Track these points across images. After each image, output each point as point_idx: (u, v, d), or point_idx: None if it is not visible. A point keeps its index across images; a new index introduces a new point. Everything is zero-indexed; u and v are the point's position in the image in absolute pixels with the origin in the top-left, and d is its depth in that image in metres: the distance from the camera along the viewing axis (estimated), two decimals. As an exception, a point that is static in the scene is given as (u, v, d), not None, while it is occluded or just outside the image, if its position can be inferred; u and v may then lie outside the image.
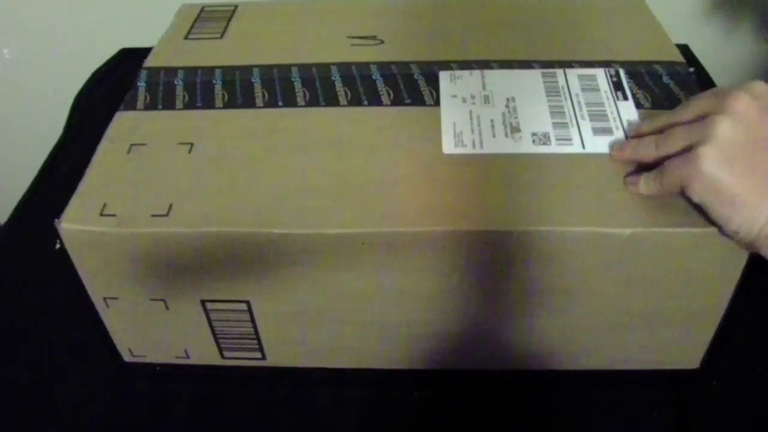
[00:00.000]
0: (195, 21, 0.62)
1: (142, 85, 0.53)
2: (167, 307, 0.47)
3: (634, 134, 0.45)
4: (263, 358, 0.51)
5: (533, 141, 0.46)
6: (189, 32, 0.60)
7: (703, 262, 0.43)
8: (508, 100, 0.50)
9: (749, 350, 0.51)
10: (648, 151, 0.42)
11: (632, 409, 0.49)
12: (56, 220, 0.43)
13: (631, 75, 0.52)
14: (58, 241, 0.43)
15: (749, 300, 0.45)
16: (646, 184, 0.42)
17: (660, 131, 0.42)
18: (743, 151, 0.37)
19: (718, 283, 0.44)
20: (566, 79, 0.52)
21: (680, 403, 0.49)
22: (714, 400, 0.49)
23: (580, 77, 0.52)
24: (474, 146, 0.47)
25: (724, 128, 0.37)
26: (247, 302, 0.47)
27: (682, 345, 0.49)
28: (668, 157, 0.40)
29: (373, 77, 0.53)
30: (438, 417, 0.50)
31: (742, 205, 0.37)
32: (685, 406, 0.49)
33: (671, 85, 0.51)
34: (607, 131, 0.47)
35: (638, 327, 0.47)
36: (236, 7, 0.64)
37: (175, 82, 0.54)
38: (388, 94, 0.51)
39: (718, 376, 0.50)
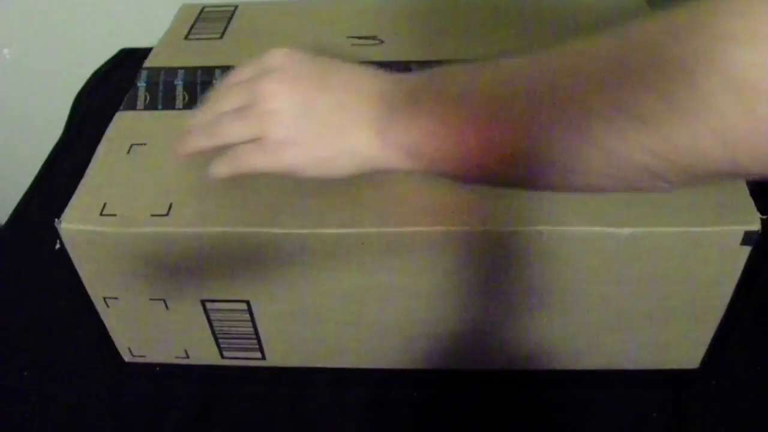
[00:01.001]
0: (195, 21, 0.62)
1: (142, 85, 0.53)
2: (167, 307, 0.47)
3: (194, 124, 0.40)
4: (263, 357, 0.51)
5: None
6: (189, 32, 0.60)
7: (703, 262, 0.43)
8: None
9: (749, 350, 0.51)
10: (206, 141, 0.38)
11: (632, 409, 0.49)
12: (56, 220, 0.43)
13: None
14: (58, 241, 0.44)
15: (749, 300, 0.45)
16: (217, 167, 0.38)
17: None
18: (311, 118, 0.35)
19: (718, 282, 0.44)
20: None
21: (680, 403, 0.49)
22: (714, 400, 0.49)
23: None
24: (474, 146, 0.47)
25: (278, 118, 0.35)
26: (247, 302, 0.47)
27: (682, 344, 0.49)
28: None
29: (373, 77, 0.53)
30: (438, 417, 0.50)
31: (339, 164, 0.36)
32: (684, 406, 0.49)
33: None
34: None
35: (638, 326, 0.47)
36: (236, 7, 0.64)
37: (175, 82, 0.53)
38: (388, 94, 0.51)
39: (717, 375, 0.50)
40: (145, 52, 0.58)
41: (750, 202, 0.42)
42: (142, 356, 0.52)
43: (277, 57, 0.37)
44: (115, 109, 0.51)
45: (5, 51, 0.48)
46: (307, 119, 0.35)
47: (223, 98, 0.38)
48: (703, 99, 0.25)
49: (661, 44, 0.27)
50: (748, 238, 0.41)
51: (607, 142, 0.27)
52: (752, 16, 0.24)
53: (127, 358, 0.52)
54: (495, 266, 0.44)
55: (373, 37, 0.58)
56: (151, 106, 0.52)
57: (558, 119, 0.28)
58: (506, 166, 0.31)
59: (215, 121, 0.37)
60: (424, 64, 0.54)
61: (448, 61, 0.54)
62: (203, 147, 0.38)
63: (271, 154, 0.35)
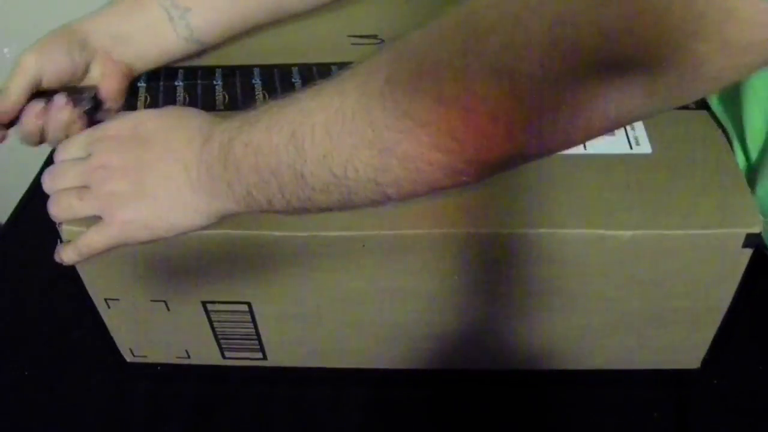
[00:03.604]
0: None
1: (142, 85, 0.53)
2: (168, 308, 0.47)
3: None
4: (264, 358, 0.51)
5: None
6: (189, 31, 0.60)
7: (704, 264, 0.43)
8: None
9: (750, 350, 0.51)
10: (56, 218, 0.39)
11: (633, 409, 0.49)
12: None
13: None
14: (59, 241, 0.43)
15: (750, 301, 0.45)
16: (67, 254, 0.39)
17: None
18: (147, 194, 0.36)
19: (719, 284, 0.44)
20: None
21: (681, 403, 0.49)
22: (714, 400, 0.49)
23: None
24: (475, 147, 0.46)
25: (119, 200, 0.36)
26: (248, 303, 0.47)
27: (683, 345, 0.49)
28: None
29: (374, 77, 0.53)
30: (438, 417, 0.50)
31: (189, 223, 0.36)
32: (685, 406, 0.49)
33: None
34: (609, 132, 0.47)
35: (639, 327, 0.47)
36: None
37: (176, 83, 0.53)
38: (389, 94, 0.51)
39: (718, 376, 0.50)
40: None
41: (752, 205, 0.42)
42: (143, 356, 0.52)
43: (105, 136, 0.39)
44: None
45: (5, 50, 0.48)
46: (144, 195, 0.36)
47: (61, 176, 0.39)
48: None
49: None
50: (749, 241, 0.41)
51: (400, 149, 0.29)
52: None
53: (128, 358, 0.52)
54: (496, 269, 0.44)
55: (374, 36, 0.58)
56: (151, 107, 0.51)
57: (361, 144, 0.30)
58: (328, 195, 0.32)
59: (58, 200, 0.38)
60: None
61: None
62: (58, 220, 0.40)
63: (119, 233, 0.37)
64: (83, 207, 0.37)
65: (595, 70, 0.24)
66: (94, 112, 0.49)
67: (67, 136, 0.47)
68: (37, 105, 0.46)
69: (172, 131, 0.37)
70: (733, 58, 0.23)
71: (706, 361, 0.49)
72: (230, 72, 0.54)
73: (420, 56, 0.29)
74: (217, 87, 0.53)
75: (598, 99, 0.25)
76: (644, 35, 0.23)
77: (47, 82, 0.47)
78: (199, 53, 0.53)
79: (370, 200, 0.32)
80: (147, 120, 0.38)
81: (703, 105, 0.49)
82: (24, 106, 0.46)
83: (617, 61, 0.24)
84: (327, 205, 0.33)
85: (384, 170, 0.30)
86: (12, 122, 0.47)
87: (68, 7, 0.57)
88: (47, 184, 0.39)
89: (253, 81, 0.53)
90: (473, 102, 0.27)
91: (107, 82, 0.49)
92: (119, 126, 0.39)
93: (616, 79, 0.24)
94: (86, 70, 0.49)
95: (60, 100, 0.47)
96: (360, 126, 0.30)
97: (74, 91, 0.48)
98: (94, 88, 0.49)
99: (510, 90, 0.26)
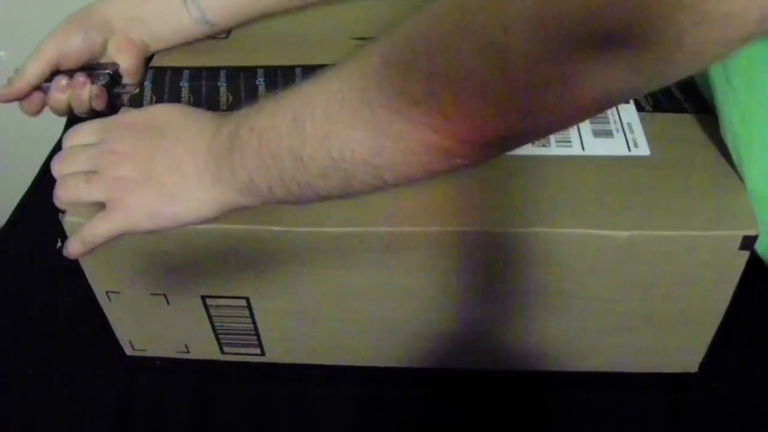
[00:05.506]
0: (201, 21, 0.62)
1: (147, 84, 0.54)
2: (168, 302, 0.48)
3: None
4: (262, 354, 0.51)
5: (533, 142, 0.47)
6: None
7: (702, 266, 0.43)
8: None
9: (748, 354, 0.51)
10: (61, 202, 0.40)
11: (630, 412, 0.49)
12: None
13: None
14: (59, 240, 0.44)
15: (748, 303, 0.45)
16: (72, 247, 0.39)
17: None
18: (154, 180, 0.37)
19: (717, 286, 0.44)
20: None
21: (678, 407, 0.49)
22: (712, 404, 0.49)
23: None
24: (474, 147, 0.47)
25: (126, 185, 0.37)
26: (247, 299, 0.47)
27: (681, 348, 0.49)
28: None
29: (376, 78, 0.53)
30: (435, 416, 0.50)
31: (193, 214, 0.37)
32: (683, 410, 0.49)
33: (672, 87, 0.51)
34: (608, 134, 0.47)
35: (636, 330, 0.47)
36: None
37: (181, 84, 0.54)
38: (390, 95, 0.51)
39: (716, 379, 0.50)
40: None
41: (749, 207, 0.42)
42: (143, 350, 0.52)
43: (117, 124, 0.40)
44: (117, 110, 0.52)
45: (2, 53, 0.49)
46: (151, 182, 0.37)
47: (69, 160, 0.39)
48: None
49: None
50: (746, 243, 0.41)
51: (394, 128, 0.29)
52: None
53: (128, 351, 0.52)
54: (493, 267, 0.44)
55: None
56: (156, 105, 0.52)
57: (358, 125, 0.30)
58: (326, 179, 0.33)
59: (65, 183, 0.39)
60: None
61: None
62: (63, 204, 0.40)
63: (123, 219, 0.37)
64: (89, 190, 0.38)
65: (581, 45, 0.25)
66: (113, 86, 0.53)
67: (91, 108, 0.52)
68: (62, 81, 0.51)
69: (184, 124, 0.38)
70: (714, 31, 0.23)
71: (704, 365, 0.49)
72: (234, 73, 0.55)
73: (413, 36, 0.29)
74: (221, 88, 0.53)
75: (585, 75, 0.26)
76: (627, 8, 0.23)
77: (66, 63, 0.51)
78: (214, 35, 0.56)
79: (367, 185, 0.32)
80: (160, 113, 0.39)
81: (702, 107, 0.49)
82: (41, 84, 0.51)
83: (602, 36, 0.24)
84: (326, 191, 0.33)
85: (379, 152, 0.30)
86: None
87: (67, 9, 0.58)
88: (56, 168, 0.39)
89: (257, 82, 0.54)
90: (463, 78, 0.27)
91: (124, 59, 0.53)
92: (132, 116, 0.40)
93: (602, 54, 0.25)
94: (104, 49, 0.53)
95: (79, 78, 0.51)
96: (357, 106, 0.30)
97: (94, 68, 0.53)
98: (113, 65, 0.53)
99: (498, 66, 0.26)
